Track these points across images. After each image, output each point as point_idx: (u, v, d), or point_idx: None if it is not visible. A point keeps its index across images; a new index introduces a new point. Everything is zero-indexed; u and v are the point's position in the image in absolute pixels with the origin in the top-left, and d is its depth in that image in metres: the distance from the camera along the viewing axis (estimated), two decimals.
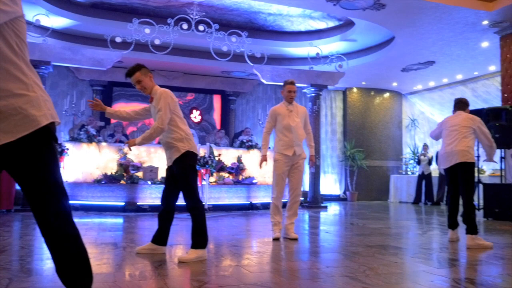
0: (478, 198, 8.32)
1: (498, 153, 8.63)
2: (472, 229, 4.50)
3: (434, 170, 11.47)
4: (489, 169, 11.88)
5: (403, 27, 8.52)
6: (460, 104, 5.02)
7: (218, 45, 9.10)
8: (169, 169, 3.76)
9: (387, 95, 13.96)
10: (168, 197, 3.76)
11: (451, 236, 4.88)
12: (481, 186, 8.03)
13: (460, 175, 4.73)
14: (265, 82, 10.09)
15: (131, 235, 5.20)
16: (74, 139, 8.57)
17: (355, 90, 13.72)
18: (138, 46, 8.94)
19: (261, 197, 9.38)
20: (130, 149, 3.91)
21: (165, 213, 3.78)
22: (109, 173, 8.39)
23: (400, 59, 10.57)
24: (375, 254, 3.91)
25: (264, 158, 5.14)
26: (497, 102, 10.46)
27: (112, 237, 4.91)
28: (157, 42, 8.74)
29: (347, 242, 4.85)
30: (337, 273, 3.16)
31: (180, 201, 3.68)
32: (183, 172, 3.59)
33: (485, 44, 9.17)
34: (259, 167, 5.30)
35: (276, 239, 4.80)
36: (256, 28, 10.30)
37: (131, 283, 2.77)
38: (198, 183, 8.25)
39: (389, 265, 3.41)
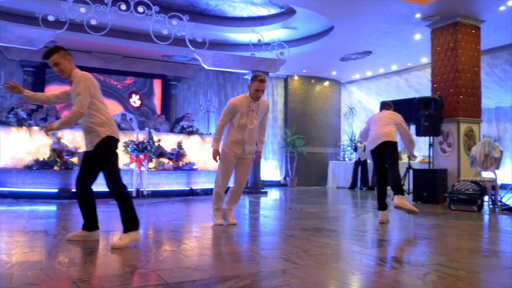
0: (408, 183, 8.78)
1: (426, 140, 9.14)
2: (399, 191, 5.05)
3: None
4: (420, 155, 12.54)
5: (342, 17, 8.71)
6: (385, 106, 5.73)
7: (158, 28, 8.86)
8: (87, 154, 3.65)
9: (326, 83, 14.30)
10: (83, 181, 3.67)
11: (381, 217, 5.13)
12: (411, 171, 8.46)
13: (385, 154, 5.22)
14: (206, 67, 9.98)
15: (64, 222, 5.00)
16: (2, 123, 8.07)
17: (296, 77, 13.93)
18: (72, 26, 8.51)
19: (202, 183, 9.35)
20: (47, 134, 3.71)
21: (82, 198, 3.68)
22: (41, 159, 7.99)
23: (339, 48, 10.84)
24: (309, 236, 4.03)
25: (216, 153, 4.82)
26: (428, 92, 11.02)
27: (43, 224, 4.70)
28: (93, 22, 8.36)
29: (284, 225, 4.96)
30: (272, 255, 3.23)
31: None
32: (105, 157, 3.54)
33: (417, 37, 9.60)
34: (214, 160, 4.88)
35: (219, 225, 4.77)
36: (197, 12, 10.13)
37: (59, 271, 2.67)
38: (137, 168, 8.11)
39: (321, 246, 3.53)
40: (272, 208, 7.18)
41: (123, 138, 8.62)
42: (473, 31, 8.47)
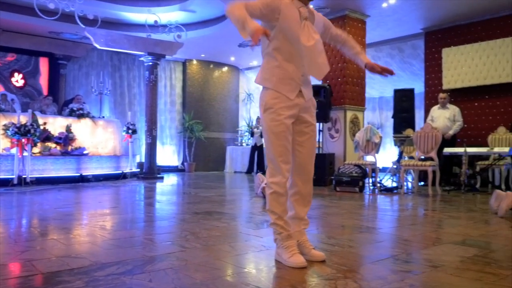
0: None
1: (316, 126, 9.64)
2: None
3: None
4: None
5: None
6: None
7: (43, 1, 8.18)
8: None
9: (225, 69, 14.38)
10: None
11: None
12: None
13: None
14: (98, 47, 9.46)
15: None
16: None
17: (195, 62, 13.80)
18: None
19: (93, 169, 8.92)
20: None
21: None
22: None
23: (237, 34, 10.75)
24: (200, 220, 4.06)
25: (260, 31, 2.22)
26: (318, 81, 11.64)
27: None
28: None
29: (177, 210, 4.93)
30: (160, 240, 3.20)
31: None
32: None
33: None
34: (255, 41, 2.19)
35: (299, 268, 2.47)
36: None
37: None
38: (19, 153, 7.47)
39: (210, 229, 3.58)
40: (167, 193, 7.09)
41: (2, 121, 7.91)
42: (360, 24, 9.07)
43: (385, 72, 2.75)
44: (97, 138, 9.60)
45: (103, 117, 10.37)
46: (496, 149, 7.34)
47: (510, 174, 7.80)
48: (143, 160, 10.87)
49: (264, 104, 2.59)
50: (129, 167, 9.89)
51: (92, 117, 9.60)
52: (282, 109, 2.53)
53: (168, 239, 3.23)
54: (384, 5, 8.55)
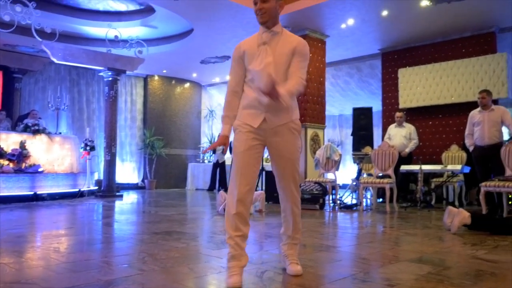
0: (262, 184, 9.23)
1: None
2: None
3: (228, 158, 12.27)
4: None
5: (201, 20, 8.81)
6: None
7: None
8: None
9: (187, 85, 14.32)
10: None
11: None
12: (264, 173, 8.91)
13: None
14: (56, 61, 9.22)
15: None
16: None
17: (156, 77, 13.68)
18: None
19: (48, 187, 8.61)
20: None
21: None
22: None
23: (199, 51, 10.94)
24: (158, 240, 3.98)
25: (224, 141, 2.77)
26: None
27: None
28: None
29: (135, 230, 4.82)
30: (116, 263, 3.11)
31: None
32: None
33: None
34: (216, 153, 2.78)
35: None
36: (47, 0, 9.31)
37: None
38: None
39: (169, 250, 3.51)
40: (126, 212, 6.93)
41: None
42: (320, 44, 9.28)
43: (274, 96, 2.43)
44: (53, 155, 9.29)
45: (60, 133, 10.07)
46: (450, 167, 7.62)
47: (463, 191, 8.10)
48: (101, 177, 10.60)
49: (233, 127, 2.73)
50: (86, 185, 9.61)
51: (48, 133, 9.30)
52: (246, 133, 2.62)
53: (125, 261, 3.14)
54: (343, 26, 8.80)
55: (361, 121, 9.14)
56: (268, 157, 2.79)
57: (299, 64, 2.67)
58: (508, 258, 3.31)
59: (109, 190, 9.80)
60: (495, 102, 7.89)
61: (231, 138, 2.65)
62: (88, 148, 9.75)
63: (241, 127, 2.63)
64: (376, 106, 10.89)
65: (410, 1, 7.66)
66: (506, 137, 6.84)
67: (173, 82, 13.99)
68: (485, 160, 6.33)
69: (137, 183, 13.28)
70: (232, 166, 2.67)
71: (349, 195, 8.38)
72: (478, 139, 6.35)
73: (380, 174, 7.28)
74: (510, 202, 6.06)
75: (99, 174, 11.40)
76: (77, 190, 9.28)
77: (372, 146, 8.74)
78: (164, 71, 13.22)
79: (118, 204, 8.21)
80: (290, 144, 2.67)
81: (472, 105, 7.76)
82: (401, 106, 9.68)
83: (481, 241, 4.12)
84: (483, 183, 5.95)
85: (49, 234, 4.40)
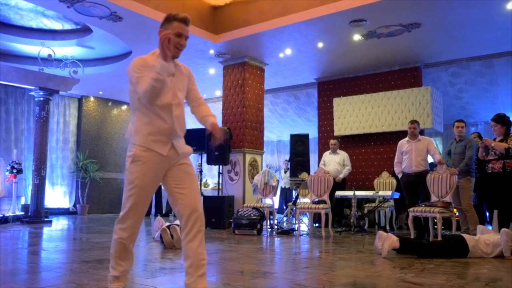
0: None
1: (217, 168, 9.71)
2: None
3: None
4: (212, 183, 13.24)
5: (140, 43, 8.72)
6: None
7: None
8: None
9: (125, 107, 14.01)
10: None
11: (167, 242, 5.20)
12: (202, 198, 8.84)
13: None
14: None
15: None
16: None
17: (92, 99, 13.27)
18: None
19: None
20: None
21: None
22: None
23: None
24: (89, 269, 3.80)
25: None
26: (219, 124, 11.83)
27: None
28: None
29: (64, 259, 4.57)
30: None
31: None
32: None
33: (212, 71, 10.27)
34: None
35: None
36: None
37: None
38: None
39: (100, 280, 3.36)
40: (54, 239, 6.56)
41: None
42: (258, 71, 9.50)
43: (217, 139, 2.88)
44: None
45: None
46: (381, 193, 7.97)
47: (394, 215, 8.48)
48: (29, 202, 9.99)
49: (133, 156, 2.65)
50: (11, 210, 9.00)
51: None
52: (152, 163, 2.65)
53: None
54: (281, 55, 9.08)
55: (298, 148, 9.36)
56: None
57: (196, 88, 3.01)
58: (433, 281, 3.49)
59: (36, 215, 9.23)
60: (422, 132, 8.42)
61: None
62: (14, 171, 9.20)
63: (148, 154, 2.68)
64: (313, 133, 11.22)
65: (344, 35, 8.07)
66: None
67: (110, 104, 13.63)
68: (412, 187, 6.69)
69: (68, 208, 12.64)
70: (127, 195, 2.76)
71: (286, 220, 8.49)
72: (406, 167, 6.71)
73: (316, 200, 7.46)
74: (435, 227, 6.42)
75: (26, 199, 10.74)
76: (1, 215, 8.67)
77: (308, 172, 8.95)
78: (101, 92, 12.86)
79: (46, 230, 7.76)
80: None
81: (401, 134, 8.24)
82: (336, 133, 10.05)
83: (409, 265, 4.31)
84: (411, 209, 6.29)
85: None
